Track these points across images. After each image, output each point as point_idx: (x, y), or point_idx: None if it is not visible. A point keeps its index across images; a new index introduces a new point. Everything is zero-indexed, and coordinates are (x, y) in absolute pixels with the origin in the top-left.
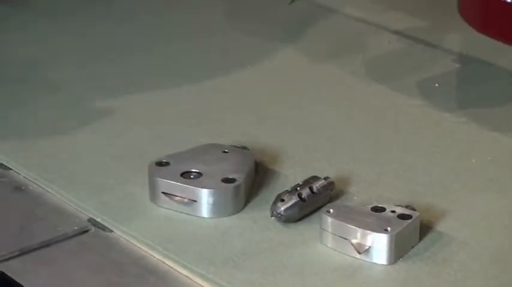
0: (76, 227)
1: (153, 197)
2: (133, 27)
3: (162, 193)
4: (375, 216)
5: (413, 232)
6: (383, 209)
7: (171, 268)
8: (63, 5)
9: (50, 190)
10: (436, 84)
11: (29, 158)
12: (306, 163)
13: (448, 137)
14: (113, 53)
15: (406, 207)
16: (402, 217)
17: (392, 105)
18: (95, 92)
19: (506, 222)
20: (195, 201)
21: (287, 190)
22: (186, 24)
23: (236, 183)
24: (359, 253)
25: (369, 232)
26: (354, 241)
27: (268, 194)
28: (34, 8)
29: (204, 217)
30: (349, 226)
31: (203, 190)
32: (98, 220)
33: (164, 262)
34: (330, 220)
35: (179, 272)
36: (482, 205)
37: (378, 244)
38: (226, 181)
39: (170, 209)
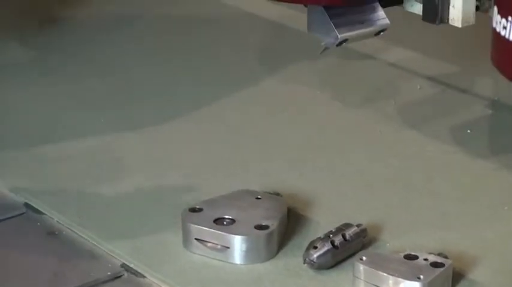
0: (109, 273)
1: (186, 243)
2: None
3: (195, 239)
4: (408, 264)
5: (446, 280)
6: (416, 257)
7: None
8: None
9: (83, 235)
10: (468, 131)
11: (62, 203)
12: (339, 209)
13: (480, 184)
14: (141, 95)
15: (439, 255)
16: (435, 265)
17: (425, 152)
18: (126, 137)
19: None
20: (228, 247)
21: (320, 237)
22: (216, 70)
23: (269, 230)
24: None
25: (401, 280)
26: None
27: (301, 241)
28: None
29: (236, 264)
30: (382, 273)
31: (236, 236)
32: (131, 265)
33: None
34: (362, 267)
35: None
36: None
37: None
38: (259, 227)
39: (203, 256)
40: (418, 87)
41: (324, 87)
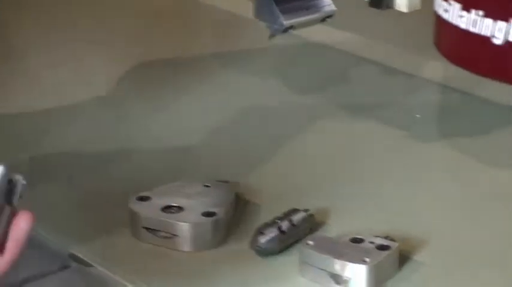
0: (57, 263)
1: (135, 231)
2: None
3: (143, 227)
4: (354, 247)
5: (393, 262)
6: (362, 241)
7: None
8: None
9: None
10: (417, 115)
11: None
12: (286, 195)
13: (428, 168)
14: None
15: (385, 238)
16: (381, 247)
17: (373, 136)
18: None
19: (485, 250)
20: (176, 235)
21: (266, 223)
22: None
23: (216, 217)
24: (338, 284)
25: (347, 263)
26: (333, 272)
27: (249, 227)
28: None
29: (185, 251)
30: (328, 257)
31: (184, 224)
32: (79, 255)
33: None
34: (309, 251)
35: None
36: (462, 234)
37: (357, 275)
38: (207, 214)
39: (152, 244)
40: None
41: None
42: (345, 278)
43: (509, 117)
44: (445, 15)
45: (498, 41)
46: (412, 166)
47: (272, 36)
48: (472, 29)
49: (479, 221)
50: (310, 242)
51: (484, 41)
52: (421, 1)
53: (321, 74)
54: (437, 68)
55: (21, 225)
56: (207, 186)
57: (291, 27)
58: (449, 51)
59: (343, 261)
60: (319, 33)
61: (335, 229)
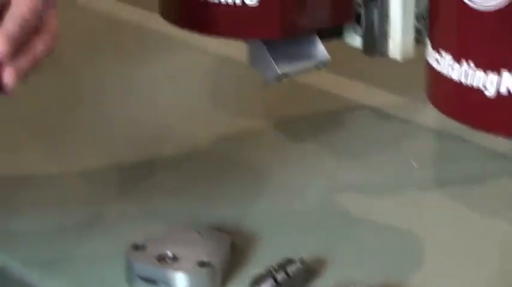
0: None
1: (130, 280)
2: None
3: (138, 276)
4: None
5: None
6: None
7: None
8: None
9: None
10: (413, 162)
11: None
12: (282, 244)
13: (424, 215)
14: None
15: None
16: None
17: (367, 183)
18: None
19: None
20: (170, 285)
21: (262, 274)
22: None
23: (211, 266)
24: None
25: None
26: None
27: (244, 277)
28: None
29: None
30: None
31: (178, 273)
32: None
33: None
34: None
35: None
36: (459, 280)
37: None
38: (202, 264)
39: None
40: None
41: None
42: None
43: (505, 164)
44: (437, 67)
45: (490, 93)
46: (408, 214)
47: (266, 83)
48: (463, 81)
49: (477, 270)
50: None
51: (476, 93)
52: (414, 49)
53: (314, 118)
54: (433, 114)
55: None
56: (201, 234)
57: (286, 75)
58: (441, 103)
59: None
60: (312, 77)
61: (331, 279)
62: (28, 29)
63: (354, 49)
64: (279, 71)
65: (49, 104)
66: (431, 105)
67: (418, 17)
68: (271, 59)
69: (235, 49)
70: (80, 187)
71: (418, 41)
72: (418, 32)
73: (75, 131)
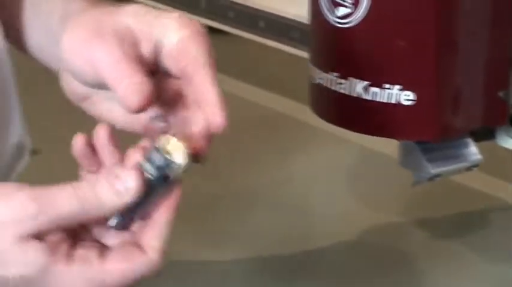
0: None
1: None
2: None
3: None
4: None
5: None
6: None
7: None
8: None
9: None
10: None
11: None
12: None
13: None
14: None
15: None
16: None
17: None
18: None
19: None
20: None
21: None
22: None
23: None
24: None
25: None
26: None
27: None
28: None
29: None
30: None
31: None
32: None
33: None
34: None
35: None
36: None
37: None
38: None
39: None
40: None
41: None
42: None
43: None
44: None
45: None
46: None
47: (417, 183)
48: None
49: None
50: None
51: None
52: None
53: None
54: None
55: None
56: None
57: (438, 175)
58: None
59: None
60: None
61: None
62: None
63: (506, 150)
64: (432, 171)
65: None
66: None
67: None
68: (425, 160)
69: (381, 143)
70: None
71: None
72: None
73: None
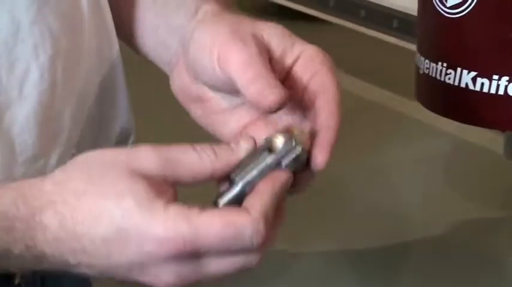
0: None
1: None
2: None
3: None
4: None
5: None
6: None
7: None
8: None
9: None
10: None
11: None
12: None
13: None
14: None
15: None
16: None
17: None
18: None
19: None
20: None
21: None
22: None
23: None
24: None
25: None
26: None
27: None
28: None
29: None
30: None
31: None
32: None
33: None
34: None
35: None
36: None
37: None
38: None
39: None
40: None
41: None
42: None
43: None
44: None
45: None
46: None
47: None
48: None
49: None
50: None
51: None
52: None
53: None
54: None
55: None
56: None
57: None
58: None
59: None
60: None
61: None
62: None
63: None
64: None
65: None
66: None
67: None
68: None
69: (479, 135)
70: None
71: None
72: None
73: None
